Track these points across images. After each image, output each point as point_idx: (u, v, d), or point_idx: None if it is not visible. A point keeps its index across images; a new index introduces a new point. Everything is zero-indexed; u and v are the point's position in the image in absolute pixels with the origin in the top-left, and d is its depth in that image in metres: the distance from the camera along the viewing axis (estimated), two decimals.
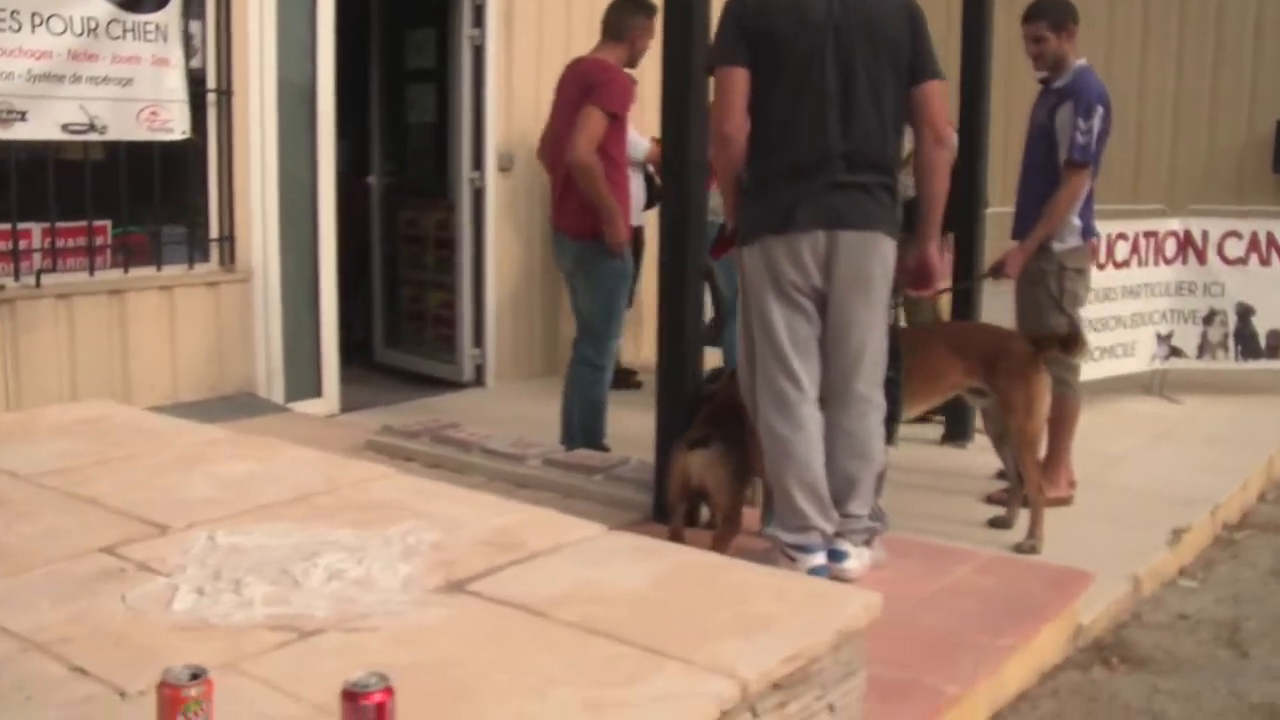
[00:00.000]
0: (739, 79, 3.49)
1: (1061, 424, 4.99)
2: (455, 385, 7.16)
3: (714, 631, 2.38)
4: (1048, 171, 4.83)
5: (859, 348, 3.60)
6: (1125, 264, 6.51)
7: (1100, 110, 4.68)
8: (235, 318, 5.83)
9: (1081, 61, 4.83)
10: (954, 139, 3.71)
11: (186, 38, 5.39)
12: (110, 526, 2.90)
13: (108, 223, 5.45)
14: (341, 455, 3.78)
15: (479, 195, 6.98)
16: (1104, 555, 4.41)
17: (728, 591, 2.62)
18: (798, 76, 3.47)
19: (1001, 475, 5.20)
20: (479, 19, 6.83)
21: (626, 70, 4.98)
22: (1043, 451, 4.73)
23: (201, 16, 5.59)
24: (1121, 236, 6.48)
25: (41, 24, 4.87)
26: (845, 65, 3.45)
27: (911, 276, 3.76)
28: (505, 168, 7.03)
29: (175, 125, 5.35)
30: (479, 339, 7.11)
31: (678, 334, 4.14)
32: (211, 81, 5.68)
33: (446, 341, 7.30)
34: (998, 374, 4.44)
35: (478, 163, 6.96)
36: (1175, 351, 6.85)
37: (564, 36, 7.09)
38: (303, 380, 6.17)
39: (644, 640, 2.32)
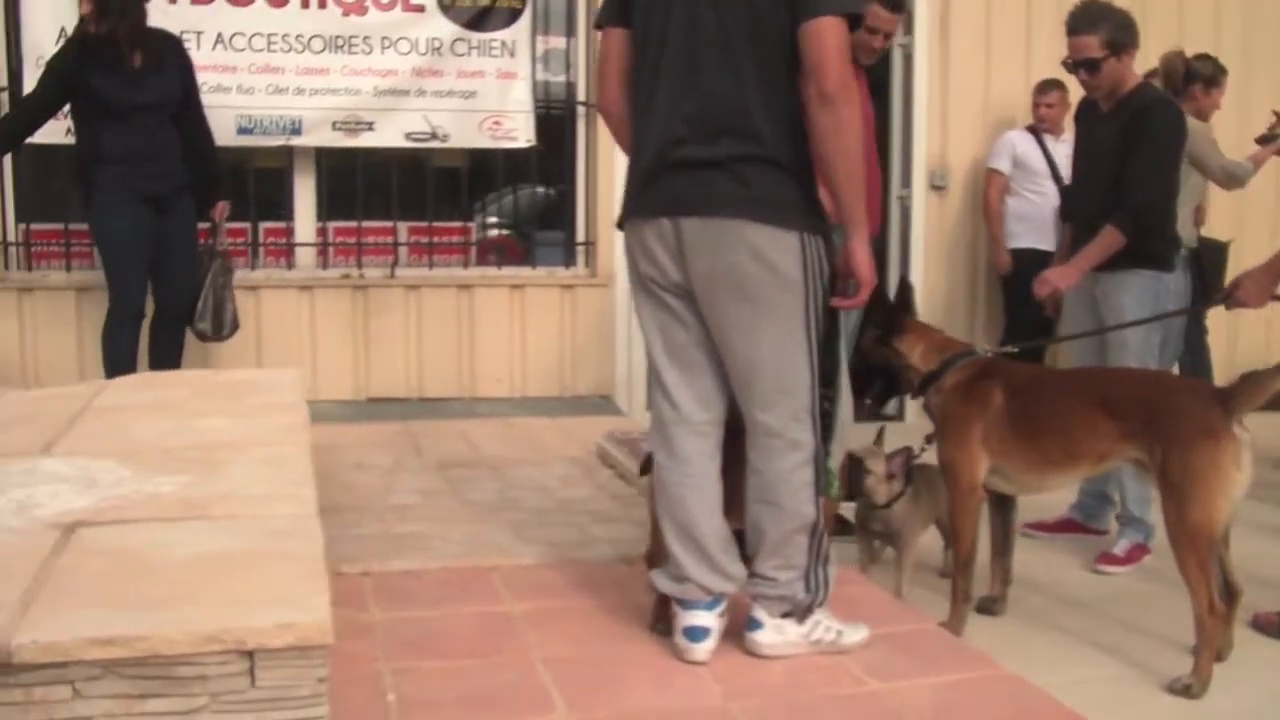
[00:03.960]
0: (611, 41, 2.93)
1: None
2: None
3: (108, 599, 2.16)
4: None
5: (749, 365, 2.83)
6: None
7: None
8: (592, 321, 6.08)
9: None
10: (852, 95, 2.70)
11: (534, 52, 5.77)
12: None
13: (468, 223, 6.03)
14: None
15: (906, 214, 6.43)
16: None
17: (243, 574, 2.32)
18: (646, 28, 2.83)
19: None
20: (909, 24, 6.31)
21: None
22: None
23: (573, 33, 5.95)
24: None
25: (390, 45, 5.59)
26: (692, 6, 2.75)
27: (840, 282, 2.86)
28: (938, 186, 6.40)
29: (519, 134, 5.77)
30: None
31: None
32: (580, 94, 6.00)
33: None
34: (1156, 439, 3.19)
35: (906, 179, 6.42)
36: None
37: (1019, 37, 6.27)
38: None
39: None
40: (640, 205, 2.86)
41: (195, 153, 5.00)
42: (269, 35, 5.50)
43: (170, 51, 4.95)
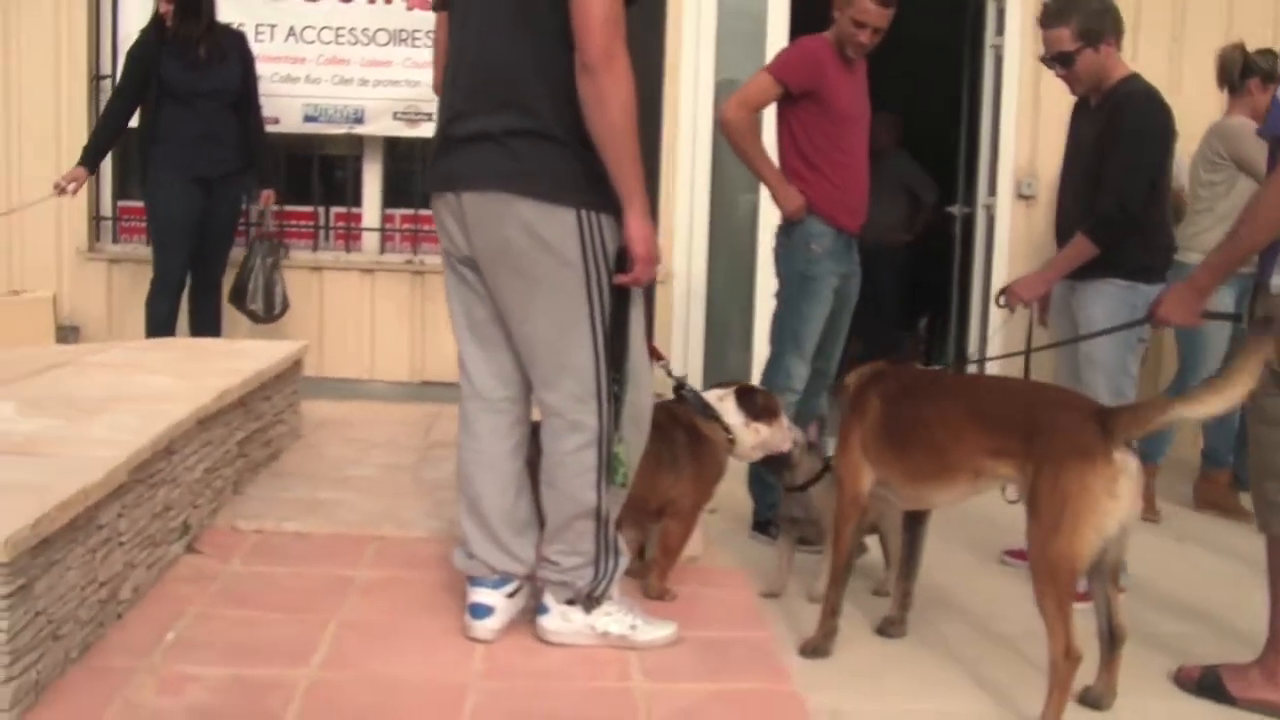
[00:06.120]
0: (439, 24, 2.94)
1: None
2: None
3: None
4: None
5: (528, 342, 2.78)
6: None
7: None
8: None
9: None
10: (616, 65, 2.56)
11: None
12: None
13: None
14: None
15: (990, 224, 6.09)
16: None
17: None
18: (453, 7, 2.83)
19: None
20: (1001, 25, 5.97)
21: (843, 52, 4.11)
22: None
23: None
24: None
25: None
26: None
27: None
28: (1026, 195, 6.03)
29: None
30: None
31: None
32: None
33: None
34: (1029, 458, 2.91)
35: (992, 186, 6.08)
36: None
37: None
38: None
39: None
40: (432, 179, 2.88)
41: (248, 140, 5.34)
42: (336, 28, 5.77)
43: (234, 46, 5.32)
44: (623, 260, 2.76)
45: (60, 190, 5.23)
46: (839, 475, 3.32)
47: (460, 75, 2.77)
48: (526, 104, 2.68)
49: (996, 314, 6.02)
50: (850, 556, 3.33)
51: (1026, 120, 5.97)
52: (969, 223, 6.36)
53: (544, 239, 2.69)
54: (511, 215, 2.69)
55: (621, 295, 2.79)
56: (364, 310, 6.00)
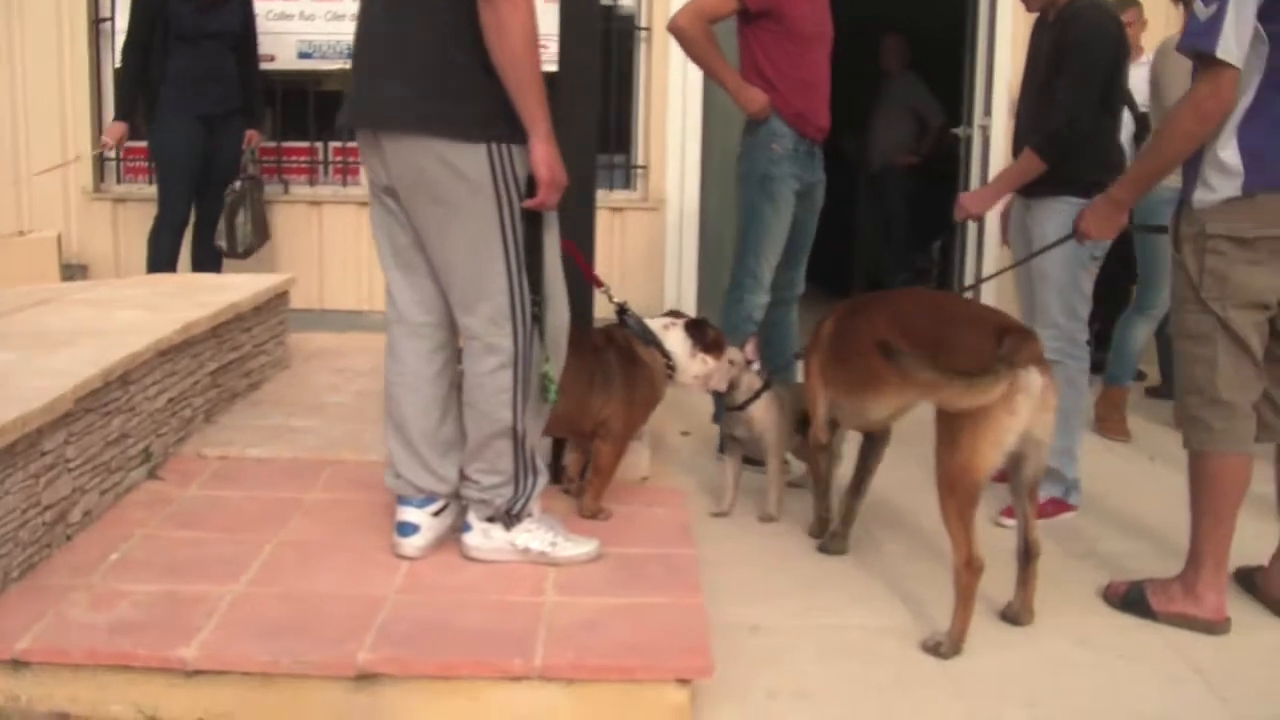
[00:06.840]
0: None
1: (1205, 496, 3.03)
2: None
3: None
4: None
5: (446, 267, 2.85)
6: None
7: None
8: (642, 246, 6.09)
9: None
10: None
11: None
12: None
13: None
14: None
15: (986, 144, 6.03)
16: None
17: None
18: None
19: None
20: None
21: None
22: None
23: None
24: None
25: None
26: None
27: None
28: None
29: None
30: None
31: None
32: (641, 20, 6.00)
33: None
34: None
35: (987, 106, 6.01)
36: None
37: None
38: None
39: None
40: (353, 115, 2.94)
41: (244, 80, 5.46)
42: None
43: None
44: (534, 186, 2.81)
45: (109, 147, 5.63)
46: (807, 400, 3.47)
47: (375, 10, 2.82)
48: (436, 37, 2.72)
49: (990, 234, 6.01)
50: (826, 473, 3.52)
51: (1022, 39, 5.82)
52: (970, 143, 6.30)
53: (457, 168, 2.75)
54: (424, 148, 2.75)
55: (534, 220, 2.85)
56: (363, 243, 6.07)
